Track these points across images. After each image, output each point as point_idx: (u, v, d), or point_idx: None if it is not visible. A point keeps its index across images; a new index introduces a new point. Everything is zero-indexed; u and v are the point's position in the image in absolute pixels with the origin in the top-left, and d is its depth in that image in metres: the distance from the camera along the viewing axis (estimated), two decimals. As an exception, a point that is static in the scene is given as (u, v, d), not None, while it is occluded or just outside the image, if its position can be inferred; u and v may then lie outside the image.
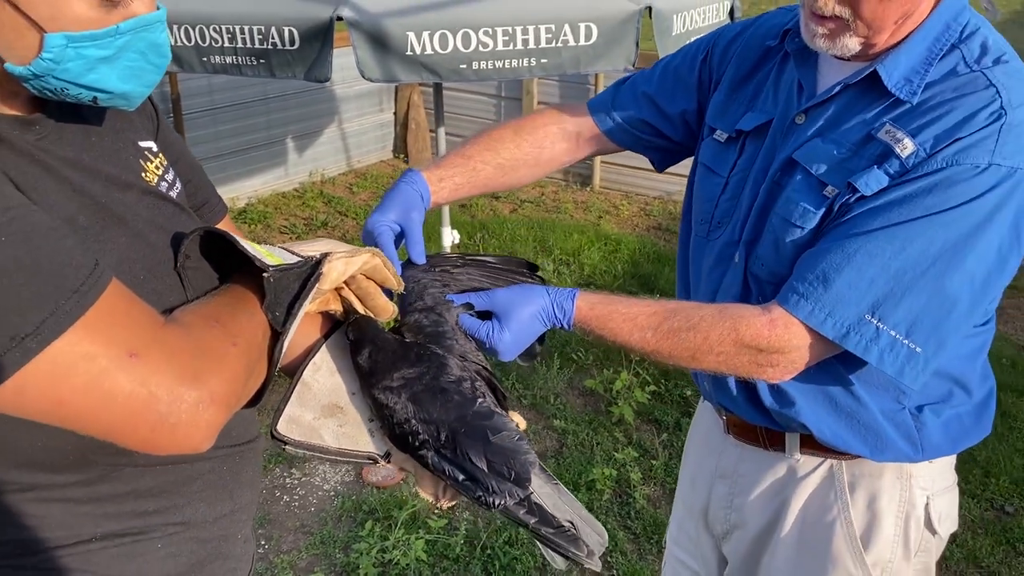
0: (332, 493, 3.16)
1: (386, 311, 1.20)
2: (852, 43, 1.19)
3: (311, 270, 1.02)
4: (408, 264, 1.31)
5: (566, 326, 1.23)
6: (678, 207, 5.88)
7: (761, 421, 1.42)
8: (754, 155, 1.36)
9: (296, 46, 2.67)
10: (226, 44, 2.77)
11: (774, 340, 1.18)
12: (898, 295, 1.14)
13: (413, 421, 1.11)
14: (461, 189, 1.47)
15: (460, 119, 6.76)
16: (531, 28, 2.71)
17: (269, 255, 1.00)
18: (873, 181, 1.17)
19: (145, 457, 0.92)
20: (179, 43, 2.84)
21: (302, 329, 1.20)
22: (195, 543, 1.02)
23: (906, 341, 1.15)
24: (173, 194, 1.03)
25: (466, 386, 1.13)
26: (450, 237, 4.07)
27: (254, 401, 0.99)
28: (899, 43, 1.21)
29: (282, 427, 1.15)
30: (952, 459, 1.43)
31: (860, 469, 1.38)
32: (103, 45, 0.82)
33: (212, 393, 0.83)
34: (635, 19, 2.91)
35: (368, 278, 1.15)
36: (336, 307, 1.18)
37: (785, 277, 1.27)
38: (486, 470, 1.07)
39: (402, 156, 7.03)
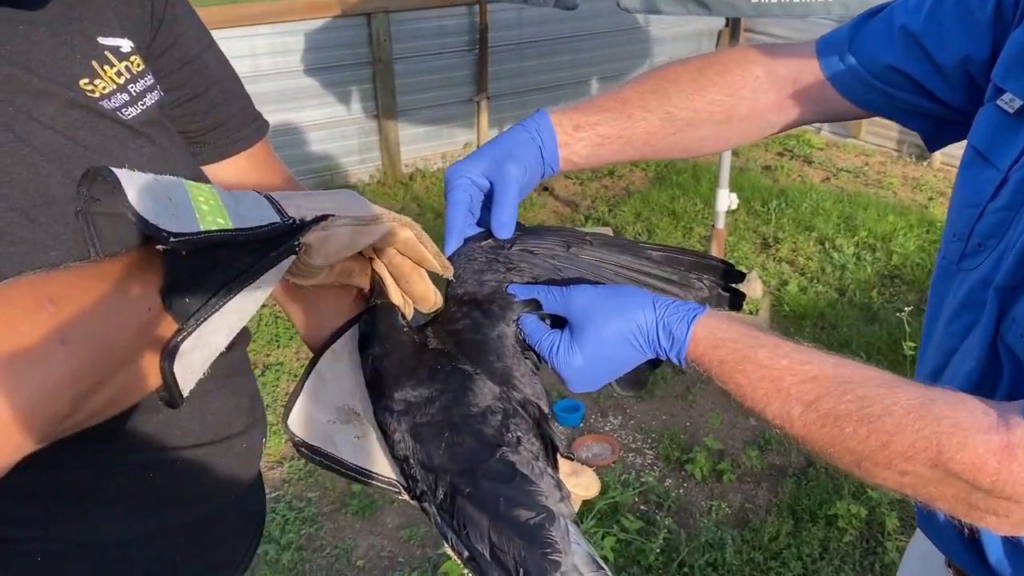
0: (536, 462, 2.95)
1: (426, 300, 0.89)
2: None
3: (286, 239, 0.73)
4: (481, 237, 0.94)
5: (674, 360, 0.83)
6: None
7: None
8: None
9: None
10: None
11: (1006, 479, 0.70)
12: None
13: (412, 461, 0.81)
14: (608, 145, 1.02)
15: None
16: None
17: (215, 211, 0.72)
18: None
19: None
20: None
21: (333, 305, 0.94)
22: (95, 567, 0.81)
23: None
24: (129, 113, 0.80)
25: (493, 423, 0.80)
26: (725, 202, 3.58)
27: (172, 404, 0.73)
28: None
29: (293, 423, 0.91)
30: None
31: None
32: None
33: (6, 405, 0.58)
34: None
35: (402, 254, 0.86)
36: (362, 283, 0.89)
37: None
38: (487, 557, 0.74)
39: (714, 107, 6.49)
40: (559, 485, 0.80)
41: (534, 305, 0.88)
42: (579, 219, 4.70)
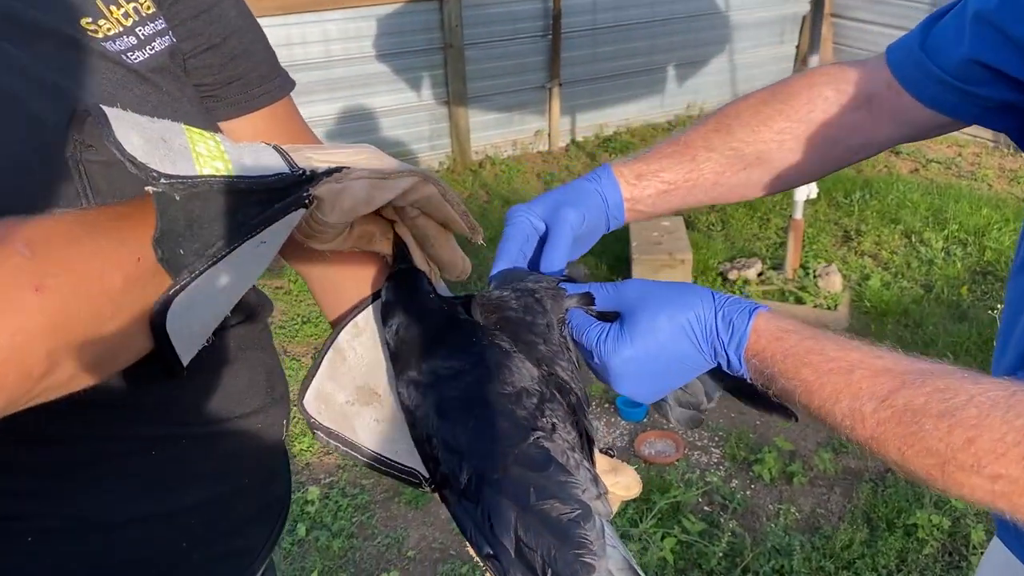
0: (596, 456, 2.84)
1: (453, 266, 0.82)
2: None
3: (294, 190, 0.66)
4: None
5: (732, 357, 0.75)
6: None
7: None
8: None
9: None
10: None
11: None
12: None
13: (435, 441, 0.73)
14: (674, 192, 0.99)
15: (864, 55, 5.78)
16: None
17: (215, 157, 0.65)
18: None
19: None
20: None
21: (354, 274, 0.87)
22: (91, 548, 0.75)
23: None
24: (136, 57, 0.74)
25: (527, 405, 0.72)
26: (805, 191, 3.40)
27: (172, 373, 0.66)
28: None
29: (310, 403, 0.84)
30: None
31: None
32: None
33: None
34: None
35: (426, 214, 0.78)
36: (383, 248, 0.82)
37: None
38: (512, 554, 0.66)
39: (796, 96, 6.24)
40: (596, 480, 0.71)
41: (586, 300, 0.82)
42: (650, 209, 4.56)
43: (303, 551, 2.47)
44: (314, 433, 0.84)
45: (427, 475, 0.80)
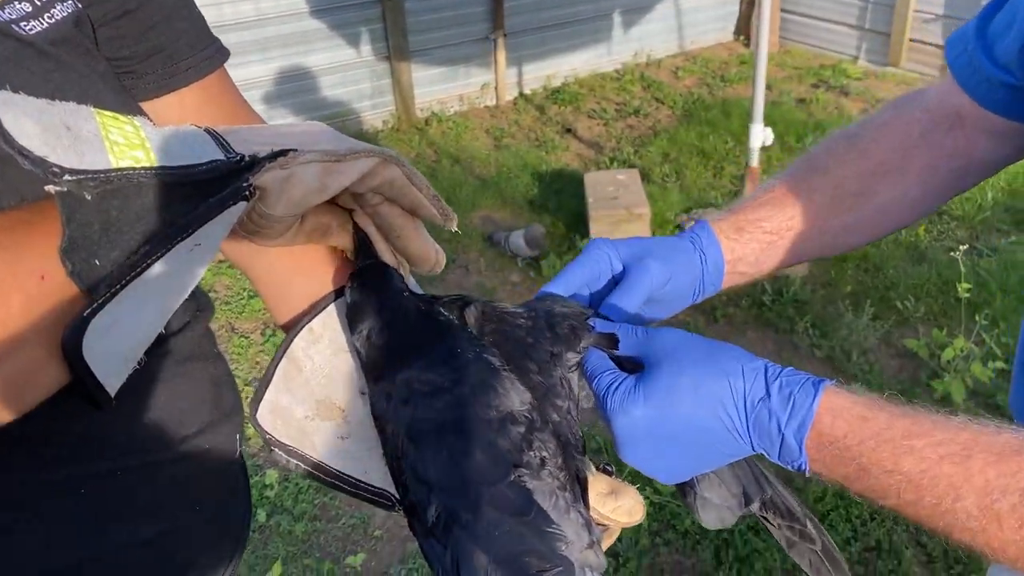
0: (563, 420, 2.78)
1: (425, 258, 0.72)
2: None
3: (232, 180, 0.55)
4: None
5: (791, 440, 0.60)
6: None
7: None
8: None
9: None
10: None
11: None
12: None
13: (404, 465, 0.64)
14: (779, 242, 0.88)
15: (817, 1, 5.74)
16: None
17: (133, 145, 0.53)
18: None
19: None
20: None
21: (307, 272, 0.76)
22: None
23: None
24: (31, 27, 0.61)
25: (512, 434, 0.62)
26: (760, 137, 3.34)
27: (97, 404, 0.55)
28: None
29: (264, 418, 0.74)
30: None
31: None
32: None
33: None
34: None
35: (390, 201, 0.67)
36: (341, 242, 0.71)
37: None
38: None
39: (743, 39, 6.17)
40: (588, 526, 0.62)
41: (608, 341, 0.70)
42: (604, 161, 4.46)
43: (264, 538, 2.37)
44: (271, 451, 0.74)
45: (398, 494, 0.71)
